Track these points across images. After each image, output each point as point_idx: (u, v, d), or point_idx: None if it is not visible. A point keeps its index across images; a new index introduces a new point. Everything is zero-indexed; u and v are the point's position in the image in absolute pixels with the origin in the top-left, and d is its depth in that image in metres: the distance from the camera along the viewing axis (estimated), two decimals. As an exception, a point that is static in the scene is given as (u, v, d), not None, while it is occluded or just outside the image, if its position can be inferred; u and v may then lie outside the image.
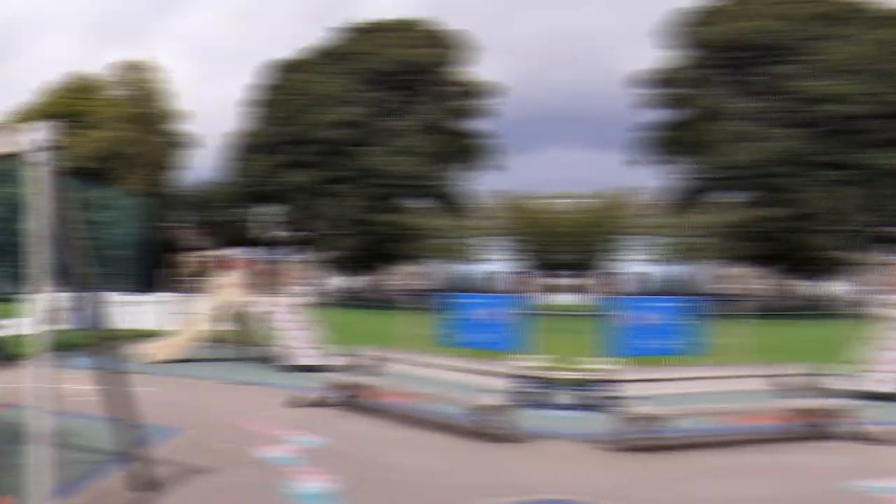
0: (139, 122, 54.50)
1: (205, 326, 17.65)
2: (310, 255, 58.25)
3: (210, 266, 25.98)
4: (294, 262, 20.16)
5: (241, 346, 17.76)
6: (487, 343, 13.68)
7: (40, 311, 4.98)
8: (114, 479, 6.63)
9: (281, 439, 8.75)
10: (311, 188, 50.84)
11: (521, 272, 60.33)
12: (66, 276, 6.03)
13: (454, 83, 52.50)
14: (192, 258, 50.32)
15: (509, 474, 7.56)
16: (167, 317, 22.25)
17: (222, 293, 17.64)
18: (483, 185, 52.90)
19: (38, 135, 5.12)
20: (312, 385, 12.10)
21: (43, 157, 5.11)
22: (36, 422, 4.63)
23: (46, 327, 5.04)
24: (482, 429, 9.30)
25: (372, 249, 50.76)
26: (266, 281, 19.18)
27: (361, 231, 49.91)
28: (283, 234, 52.15)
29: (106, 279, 20.24)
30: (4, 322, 16.22)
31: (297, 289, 18.27)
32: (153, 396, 10.28)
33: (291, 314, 16.76)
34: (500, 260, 62.54)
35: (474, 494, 6.83)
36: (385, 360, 11.08)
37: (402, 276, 74.30)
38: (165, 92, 57.00)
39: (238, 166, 55.04)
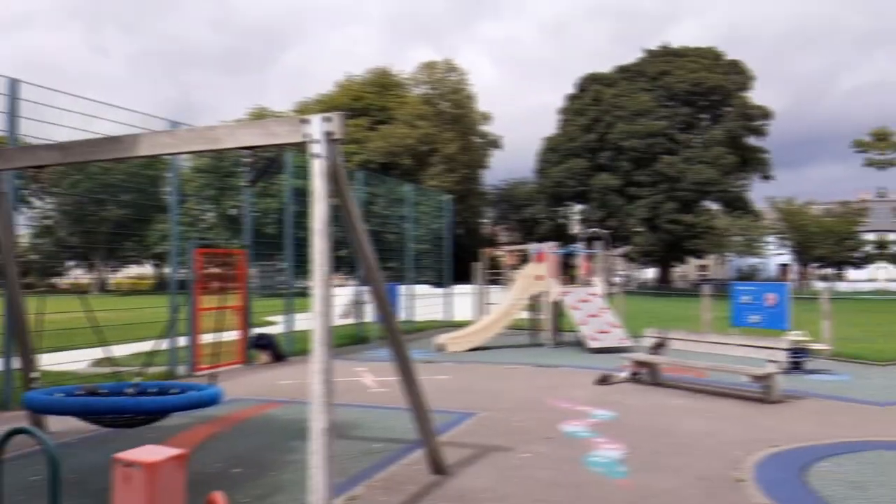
0: (441, 120, 51.63)
1: (505, 316, 15.82)
2: (609, 250, 58.04)
3: (512, 260, 24.67)
4: (595, 256, 18.59)
5: (538, 332, 16.37)
6: (762, 323, 13.25)
7: (322, 304, 4.06)
8: (408, 465, 5.96)
9: (577, 415, 8.06)
10: (617, 190, 50.89)
11: (789, 264, 56.65)
12: (357, 270, 5.49)
13: (738, 104, 49.78)
14: (496, 252, 49.13)
15: (783, 429, 7.29)
16: (470, 308, 20.12)
17: (523, 284, 16.05)
18: (760, 192, 50.90)
19: (326, 125, 4.32)
20: (608, 365, 11.68)
21: (329, 148, 4.30)
22: (316, 417, 3.91)
23: (328, 321, 4.07)
24: (756, 394, 9.16)
25: (667, 245, 49.70)
26: (567, 273, 17.93)
27: (658, 229, 49.06)
28: (586, 230, 52.87)
29: (410, 273, 20.42)
30: (290, 317, 13.79)
31: (596, 279, 17.14)
32: (450, 384, 10.29)
33: (591, 302, 15.60)
34: (774, 254, 59.01)
35: (753, 447, 6.61)
36: (671, 339, 10.99)
37: (694, 269, 71.57)
38: (467, 93, 53.87)
39: (548, 167, 54.82)
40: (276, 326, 15.66)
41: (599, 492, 5.30)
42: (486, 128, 57.12)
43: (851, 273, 56.52)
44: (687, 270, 70.58)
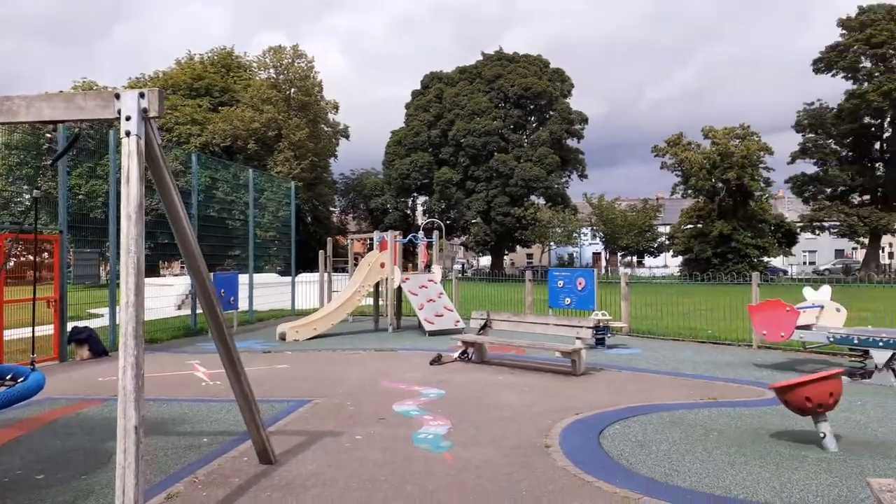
0: (288, 106, 48.95)
1: (348, 303, 15.14)
2: (448, 239, 59.40)
3: (358, 248, 23.68)
4: (434, 244, 18.69)
5: (380, 318, 16.14)
6: (574, 305, 14.13)
7: (132, 295, 3.61)
8: (235, 457, 5.56)
9: (409, 395, 8.07)
10: (456, 184, 52.07)
11: (600, 253, 61.33)
12: (183, 258, 4.76)
13: (561, 109, 52.66)
14: (343, 241, 45.33)
15: (585, 398, 7.75)
16: (313, 297, 19.54)
17: (367, 272, 15.63)
18: (577, 189, 54.52)
19: (141, 101, 3.80)
20: (442, 347, 12.02)
21: (145, 126, 3.82)
22: (124, 414, 3.49)
23: (138, 313, 3.60)
24: (567, 368, 9.75)
25: (499, 235, 51.70)
26: (408, 261, 17.80)
27: (492, 220, 50.88)
28: (427, 220, 53.77)
29: (254, 261, 19.12)
30: (115, 309, 12.19)
31: (435, 266, 17.34)
32: (288, 372, 9.74)
33: (429, 288, 15.57)
34: (588, 244, 63.73)
35: (560, 416, 6.94)
36: (495, 320, 11.44)
37: (522, 257, 75.10)
38: (315, 81, 50.96)
39: (395, 160, 54.72)
40: (99, 319, 14.40)
41: (424, 467, 5.38)
42: (334, 117, 56.02)
43: (648, 260, 61.85)
44: (516, 258, 73.86)
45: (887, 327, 10.86)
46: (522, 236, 51.95)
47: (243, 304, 17.14)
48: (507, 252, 60.08)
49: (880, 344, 8.84)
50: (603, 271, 54.73)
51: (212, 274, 14.68)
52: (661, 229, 56.22)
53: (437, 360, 10.68)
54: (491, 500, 4.62)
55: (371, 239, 17.77)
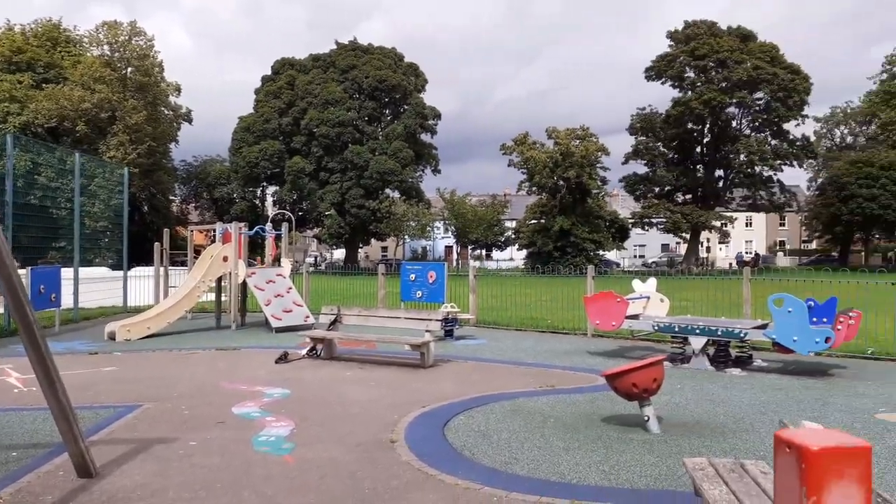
0: (124, 86, 45.00)
1: (186, 299, 14.23)
2: (300, 232, 58.21)
3: (200, 240, 22.15)
4: (283, 237, 18.02)
5: (223, 315, 15.29)
6: (425, 298, 14.31)
7: None
8: (49, 472, 4.98)
9: (251, 396, 7.70)
10: (309, 174, 50.94)
11: (451, 246, 63.14)
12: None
13: (415, 104, 53.21)
14: (183, 232, 43.06)
15: (432, 390, 7.82)
16: (148, 292, 18.17)
17: (208, 266, 14.71)
18: (430, 183, 55.60)
19: None
20: (290, 343, 11.64)
21: None
22: None
23: None
24: (416, 361, 9.81)
25: (354, 228, 51.33)
26: (256, 254, 16.96)
27: (346, 212, 50.37)
28: (278, 211, 52.27)
29: (82, 254, 17.48)
30: None
31: (284, 260, 16.77)
32: (117, 375, 9.02)
33: (277, 282, 14.97)
34: (441, 237, 65.36)
35: (407, 410, 6.93)
36: (346, 315, 11.29)
37: (377, 250, 75.18)
38: (154, 60, 47.36)
39: (242, 147, 52.64)
40: None
41: (264, 471, 5.15)
42: (176, 100, 52.70)
43: (496, 253, 64.21)
44: (371, 251, 73.70)
45: (704, 316, 12.00)
46: (377, 229, 51.91)
47: (68, 301, 15.59)
48: (361, 245, 59.81)
49: (697, 331, 9.73)
50: (455, 264, 56.07)
51: (29, 268, 13.31)
52: (508, 224, 58.56)
53: (283, 358, 10.33)
54: (333, 501, 4.52)
55: (214, 230, 16.83)
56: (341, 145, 50.70)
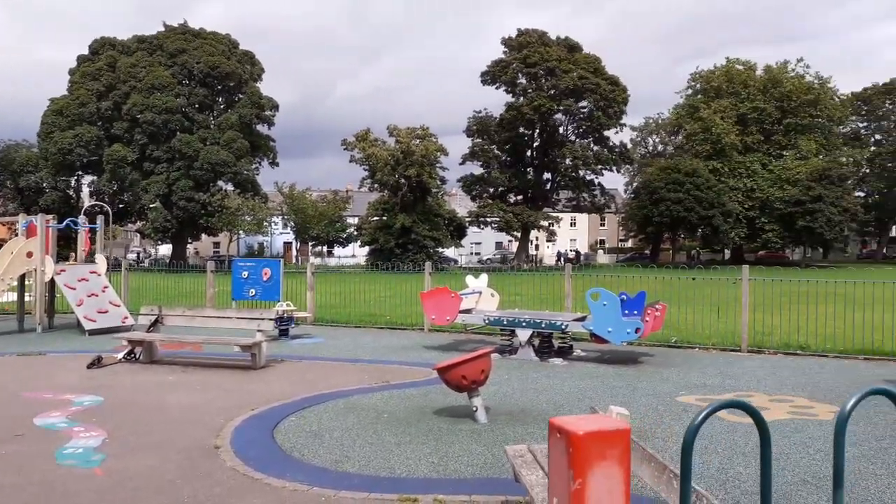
0: None
1: None
2: (121, 225, 53.89)
3: (4, 233, 19.77)
4: (98, 231, 16.45)
5: (26, 317, 13.84)
6: (259, 296, 13.81)
7: None
8: None
9: (57, 405, 7.08)
10: (132, 163, 47.19)
11: (290, 242, 61.89)
12: None
13: (251, 93, 51.31)
14: None
15: (264, 392, 7.52)
16: None
17: (7, 263, 13.29)
18: (268, 176, 54.01)
19: None
20: (105, 347, 10.89)
21: None
22: None
23: None
24: (247, 362, 9.43)
25: (182, 222, 48.39)
26: (70, 250, 15.37)
27: (174, 205, 47.35)
28: (93, 202, 47.99)
29: None
30: None
31: (98, 256, 15.35)
32: None
33: (90, 281, 13.73)
34: (279, 233, 63.76)
35: (235, 413, 6.60)
36: (169, 315, 10.60)
37: (208, 246, 71.46)
38: None
39: (54, 132, 47.66)
40: None
41: (69, 487, 4.69)
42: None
43: (338, 250, 63.59)
44: (202, 247, 69.85)
45: (531, 309, 12.68)
46: (208, 224, 49.31)
47: None
48: (191, 240, 56.53)
49: (523, 324, 10.25)
50: (294, 261, 54.70)
51: None
52: (351, 220, 58.18)
53: (96, 363, 9.48)
54: (147, 515, 4.21)
55: (14, 223, 15.11)
56: (168, 133, 47.54)
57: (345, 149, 50.08)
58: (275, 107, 53.49)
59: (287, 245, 68.44)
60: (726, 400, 0.95)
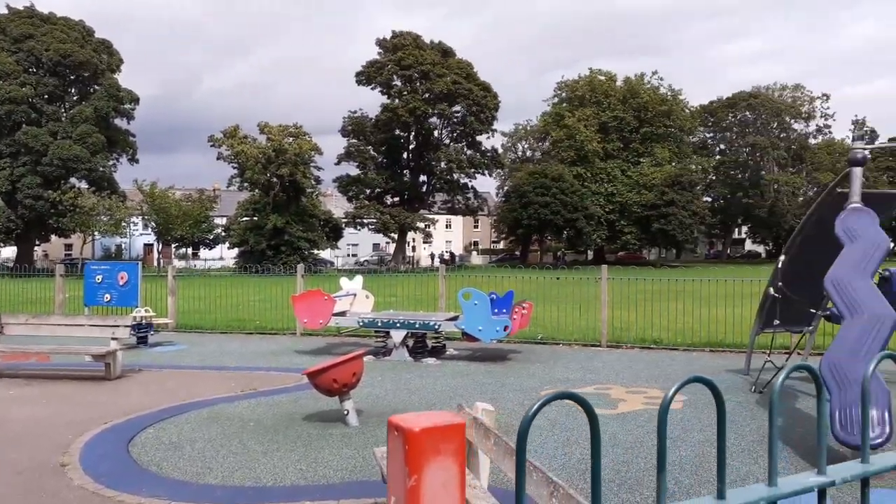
0: None
1: None
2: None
3: None
4: None
5: None
6: (114, 301, 12.89)
7: None
8: None
9: None
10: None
11: (152, 244, 58.63)
12: None
13: (108, 84, 48.03)
14: None
15: (119, 403, 7.01)
16: None
17: None
18: (127, 173, 50.79)
19: None
20: None
21: None
22: None
23: None
24: (100, 373, 8.78)
25: (29, 222, 44.37)
26: None
27: (18, 204, 43.29)
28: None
29: None
30: None
31: None
32: None
33: None
34: (139, 234, 60.10)
35: (86, 427, 6.10)
36: (9, 324, 9.65)
37: (59, 248, 65.91)
38: None
39: None
40: None
41: None
42: None
43: (204, 252, 60.69)
44: (52, 249, 64.29)
45: (407, 310, 12.74)
46: (59, 224, 45.42)
47: None
48: (39, 242, 51.83)
49: (398, 325, 10.28)
50: (156, 264, 51.65)
51: None
52: (218, 221, 55.77)
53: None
54: (-23, 545, 3.81)
55: None
56: (12, 125, 43.42)
57: (212, 145, 48.02)
58: (135, 100, 50.35)
59: (148, 247, 64.47)
60: (558, 392, 0.99)
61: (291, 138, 47.41)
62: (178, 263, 49.70)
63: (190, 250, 59.40)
